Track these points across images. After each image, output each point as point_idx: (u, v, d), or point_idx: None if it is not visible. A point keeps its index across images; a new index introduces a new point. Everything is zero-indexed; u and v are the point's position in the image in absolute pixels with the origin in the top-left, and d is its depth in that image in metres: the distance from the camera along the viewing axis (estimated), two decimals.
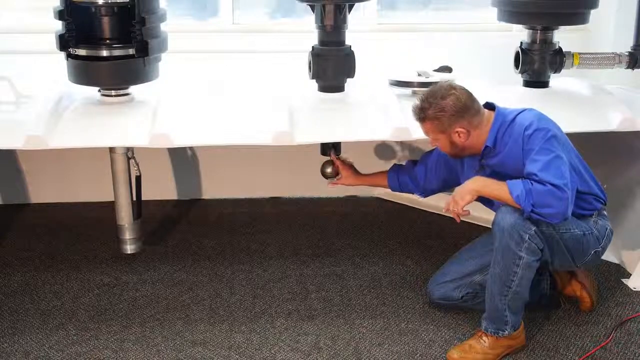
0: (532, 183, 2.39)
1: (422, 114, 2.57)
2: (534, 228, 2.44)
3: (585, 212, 2.62)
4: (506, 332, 2.56)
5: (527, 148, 2.46)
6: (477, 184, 2.52)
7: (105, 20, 3.00)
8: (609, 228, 2.65)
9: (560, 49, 3.27)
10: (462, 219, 2.53)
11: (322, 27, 3.13)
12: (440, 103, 2.52)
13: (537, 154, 2.43)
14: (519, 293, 2.51)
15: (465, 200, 2.48)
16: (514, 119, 2.55)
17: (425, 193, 3.01)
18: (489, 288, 2.56)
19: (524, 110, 2.59)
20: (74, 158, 3.70)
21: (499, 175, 2.54)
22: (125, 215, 3.25)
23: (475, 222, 3.54)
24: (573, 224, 2.55)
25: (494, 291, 2.53)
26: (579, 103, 3.17)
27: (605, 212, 2.69)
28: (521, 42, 3.29)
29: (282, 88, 3.25)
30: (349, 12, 3.14)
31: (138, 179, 3.18)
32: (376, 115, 3.01)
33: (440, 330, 2.76)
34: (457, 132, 2.55)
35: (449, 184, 2.87)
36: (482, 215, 3.31)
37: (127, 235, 3.30)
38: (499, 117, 2.58)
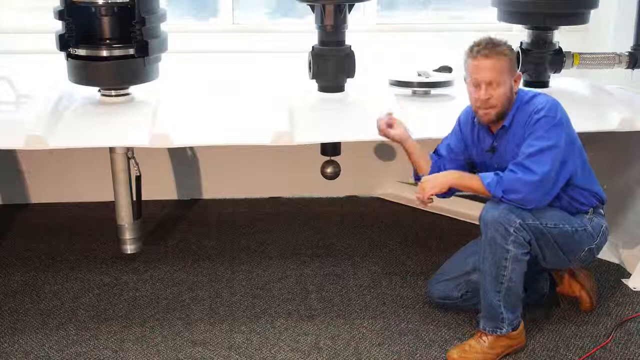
0: (503, 172, 2.46)
1: (499, 47, 2.48)
2: (518, 221, 2.45)
3: (581, 207, 2.63)
4: (504, 330, 2.56)
5: (531, 131, 2.48)
6: (449, 177, 2.58)
7: (105, 20, 3.00)
8: (605, 226, 2.66)
9: (560, 49, 3.27)
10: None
11: (322, 27, 3.14)
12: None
13: (536, 139, 2.46)
14: (512, 288, 2.51)
15: (433, 191, 2.55)
16: (529, 100, 2.56)
17: None
18: (482, 285, 2.57)
19: (540, 94, 2.60)
20: (74, 158, 3.70)
21: (503, 159, 2.57)
22: (125, 215, 3.25)
23: (475, 222, 3.54)
24: (563, 219, 2.55)
25: (487, 288, 2.54)
26: (579, 103, 3.17)
27: (601, 211, 2.69)
28: (521, 42, 3.29)
29: (282, 88, 3.25)
30: (349, 12, 3.14)
31: (138, 179, 3.18)
32: (376, 115, 3.01)
33: (440, 330, 2.76)
34: (519, 75, 2.58)
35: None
36: None
37: (127, 235, 3.30)
38: (517, 99, 2.59)
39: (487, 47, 2.49)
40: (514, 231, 2.44)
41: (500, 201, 2.47)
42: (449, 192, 2.66)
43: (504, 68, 2.49)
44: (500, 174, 2.47)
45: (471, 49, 2.53)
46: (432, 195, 2.55)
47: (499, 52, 2.49)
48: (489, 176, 2.49)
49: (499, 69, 2.48)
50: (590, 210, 2.64)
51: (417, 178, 2.79)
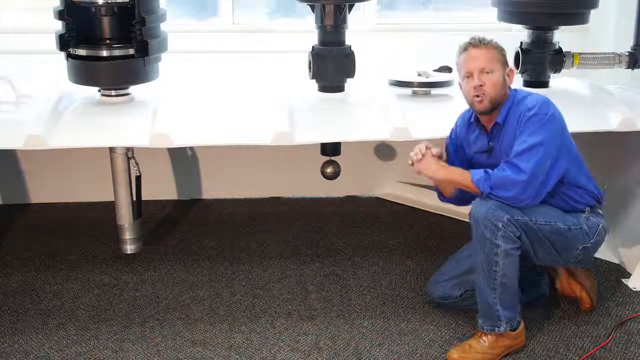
0: (492, 170, 2.49)
1: (486, 40, 2.58)
2: (506, 216, 2.46)
3: (577, 205, 2.63)
4: (501, 328, 2.55)
5: (522, 129, 2.50)
6: (442, 172, 2.61)
7: (105, 20, 3.00)
8: (602, 225, 2.65)
9: (560, 49, 3.27)
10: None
11: (322, 27, 3.14)
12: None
13: (527, 137, 2.48)
14: (506, 285, 2.51)
15: (426, 172, 2.60)
16: (521, 100, 2.58)
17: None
18: (477, 283, 2.58)
19: (532, 94, 2.61)
20: (74, 158, 3.70)
21: (498, 160, 2.57)
22: (125, 215, 3.25)
23: None
24: (557, 217, 2.56)
25: (482, 285, 2.54)
26: (579, 103, 3.17)
27: (599, 210, 2.69)
28: (521, 42, 3.29)
29: (282, 88, 3.25)
30: (349, 12, 3.14)
31: (138, 179, 3.18)
32: (376, 115, 3.01)
33: (440, 330, 2.76)
34: (510, 70, 2.60)
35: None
36: None
37: (127, 235, 3.31)
38: (510, 96, 2.61)
39: (475, 41, 2.58)
40: (502, 226, 2.46)
41: (488, 198, 2.49)
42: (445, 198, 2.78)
43: (494, 57, 2.56)
44: (490, 171, 2.50)
45: (460, 47, 2.61)
46: (422, 174, 2.62)
47: (488, 44, 2.57)
48: (479, 172, 2.52)
49: (490, 57, 2.55)
50: (587, 209, 2.64)
51: (442, 199, 2.88)
